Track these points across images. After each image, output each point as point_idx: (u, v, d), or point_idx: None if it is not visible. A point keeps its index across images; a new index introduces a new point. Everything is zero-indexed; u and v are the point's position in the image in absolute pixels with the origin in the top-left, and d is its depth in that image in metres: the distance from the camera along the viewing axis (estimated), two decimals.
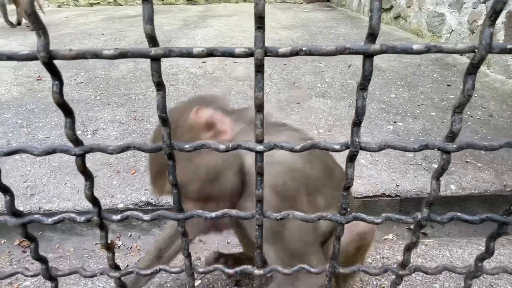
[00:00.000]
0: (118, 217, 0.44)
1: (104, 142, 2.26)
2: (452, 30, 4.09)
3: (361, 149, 0.37)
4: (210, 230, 0.89)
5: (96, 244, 1.69)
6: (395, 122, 2.50)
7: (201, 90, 3.11)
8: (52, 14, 7.38)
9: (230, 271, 0.48)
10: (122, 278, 0.49)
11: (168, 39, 4.91)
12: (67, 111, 0.35)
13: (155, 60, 0.33)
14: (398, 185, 1.82)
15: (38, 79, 3.41)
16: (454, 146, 0.37)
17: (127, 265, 1.44)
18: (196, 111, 0.75)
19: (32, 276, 0.48)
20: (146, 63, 3.77)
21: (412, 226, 1.64)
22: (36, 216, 0.43)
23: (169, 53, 0.32)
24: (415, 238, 0.44)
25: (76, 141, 0.37)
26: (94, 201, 0.42)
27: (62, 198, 1.77)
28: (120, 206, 1.72)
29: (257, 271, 0.47)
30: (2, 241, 1.68)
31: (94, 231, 1.74)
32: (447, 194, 1.77)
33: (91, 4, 9.06)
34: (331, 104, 2.81)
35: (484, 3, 3.55)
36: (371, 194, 1.78)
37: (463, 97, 0.34)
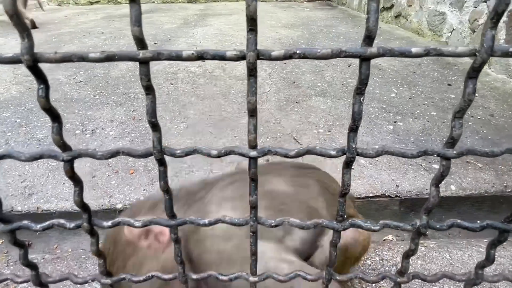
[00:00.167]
0: (109, 223, 0.43)
1: (103, 142, 2.26)
2: (453, 29, 4.06)
3: (358, 155, 0.36)
4: None
5: None
6: (395, 121, 2.49)
7: (201, 89, 3.10)
8: (52, 13, 7.36)
9: (225, 277, 0.47)
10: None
11: (168, 38, 4.89)
12: (54, 116, 0.34)
13: (144, 63, 0.31)
14: (398, 186, 1.80)
15: None
16: (454, 152, 0.35)
17: None
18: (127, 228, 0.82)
19: (21, 282, 0.47)
20: None
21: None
22: (25, 222, 0.42)
23: (158, 56, 0.31)
24: (413, 245, 0.43)
25: (64, 146, 0.36)
26: (84, 207, 0.41)
27: (61, 198, 1.76)
28: (119, 206, 1.71)
29: (251, 278, 0.46)
30: (0, 241, 1.68)
31: None
32: (447, 194, 1.76)
33: (91, 3, 9.03)
34: (331, 104, 2.80)
35: (485, 1, 3.53)
36: (370, 195, 1.77)
37: (464, 101, 0.33)
